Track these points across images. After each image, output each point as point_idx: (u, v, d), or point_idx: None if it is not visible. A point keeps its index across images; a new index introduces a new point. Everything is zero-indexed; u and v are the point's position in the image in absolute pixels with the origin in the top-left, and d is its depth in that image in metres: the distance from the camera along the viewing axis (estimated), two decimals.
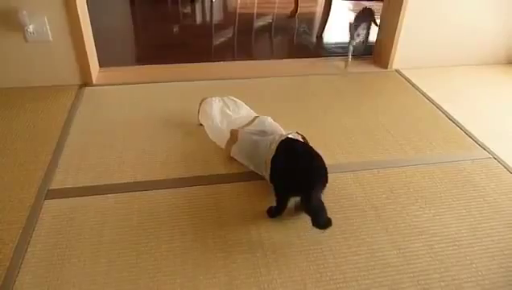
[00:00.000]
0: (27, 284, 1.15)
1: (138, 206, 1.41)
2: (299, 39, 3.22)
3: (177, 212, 1.39)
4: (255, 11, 3.63)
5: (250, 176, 1.54)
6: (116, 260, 1.22)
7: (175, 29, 3.30)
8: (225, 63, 2.62)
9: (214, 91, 2.16)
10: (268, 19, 3.54)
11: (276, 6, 3.80)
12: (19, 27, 1.96)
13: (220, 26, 3.38)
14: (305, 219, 1.35)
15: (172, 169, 1.59)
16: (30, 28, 1.95)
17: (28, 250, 1.24)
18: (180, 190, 1.48)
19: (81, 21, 2.00)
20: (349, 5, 3.97)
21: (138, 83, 2.21)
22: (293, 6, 3.57)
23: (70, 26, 2.00)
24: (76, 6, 1.95)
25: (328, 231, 1.32)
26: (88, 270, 1.19)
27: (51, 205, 1.41)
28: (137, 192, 1.47)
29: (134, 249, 1.26)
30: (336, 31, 3.34)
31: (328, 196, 1.47)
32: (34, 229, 1.31)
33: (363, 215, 1.41)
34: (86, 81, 2.15)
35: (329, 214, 1.29)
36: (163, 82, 2.23)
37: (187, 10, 3.66)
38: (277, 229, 1.33)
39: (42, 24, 1.97)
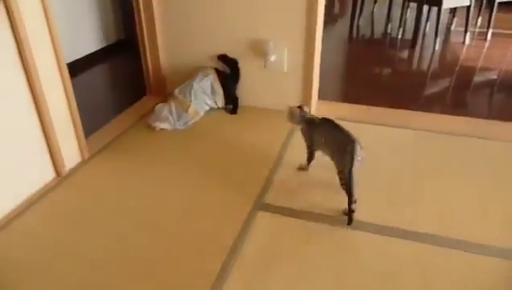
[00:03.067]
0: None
1: (342, 241, 1.45)
2: None
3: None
4: (479, 64, 3.35)
5: None
6: (317, 283, 1.27)
7: (388, 72, 3.31)
8: (434, 114, 2.48)
9: (420, 142, 2.08)
10: (493, 75, 3.21)
11: (507, 60, 3.43)
12: (263, 56, 2.27)
13: (436, 76, 3.23)
14: None
15: (380, 215, 1.58)
16: (272, 58, 2.24)
17: (240, 253, 1.41)
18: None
19: (315, 57, 2.19)
20: None
21: (348, 120, 2.25)
22: None
23: (304, 60, 2.22)
24: (314, 43, 2.16)
25: None
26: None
27: (263, 217, 1.57)
28: (340, 228, 1.51)
29: (335, 275, 1.29)
30: None
31: None
32: (247, 236, 1.48)
33: None
34: None
35: None
36: (372, 124, 2.25)
37: (404, 55, 3.63)
38: None
39: (281, 55, 2.24)
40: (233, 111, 2.37)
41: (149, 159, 1.95)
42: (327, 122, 1.65)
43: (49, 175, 1.79)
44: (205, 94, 2.28)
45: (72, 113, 1.84)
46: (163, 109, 2.18)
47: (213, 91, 2.30)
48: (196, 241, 1.46)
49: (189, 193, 1.71)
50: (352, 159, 1.45)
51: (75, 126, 1.87)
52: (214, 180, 1.80)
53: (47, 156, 1.76)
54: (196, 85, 2.24)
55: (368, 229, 1.50)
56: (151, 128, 2.16)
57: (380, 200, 1.66)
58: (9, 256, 1.41)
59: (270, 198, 1.67)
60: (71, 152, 1.87)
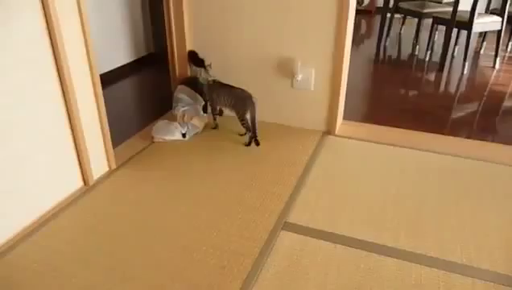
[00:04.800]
0: None
1: (364, 265, 1.43)
2: None
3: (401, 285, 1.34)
4: (509, 90, 3.28)
5: None
6: None
7: (414, 95, 3.27)
8: (461, 139, 2.43)
9: (446, 166, 2.04)
10: None
11: None
12: (290, 75, 2.29)
13: (464, 100, 3.17)
14: None
15: (404, 241, 1.55)
16: (299, 77, 2.26)
17: (261, 272, 1.40)
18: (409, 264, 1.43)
19: (342, 77, 2.20)
20: None
21: (373, 141, 2.27)
22: None
23: (331, 81, 2.23)
24: (342, 63, 2.16)
25: None
26: None
27: (285, 236, 1.56)
28: (364, 252, 1.49)
29: None
30: None
31: None
32: (269, 255, 1.47)
33: None
34: (330, 130, 2.34)
35: None
36: (396, 146, 2.22)
37: (431, 77, 3.59)
38: None
39: (308, 75, 2.26)
40: (204, 110, 2.44)
41: (173, 174, 1.97)
42: (223, 85, 2.18)
43: (77, 184, 1.84)
44: (191, 105, 2.41)
45: (101, 124, 1.89)
46: (169, 124, 2.29)
47: (194, 98, 2.43)
48: (217, 259, 1.46)
49: (211, 209, 1.72)
50: (253, 105, 2.02)
51: (104, 136, 1.92)
52: (236, 196, 1.80)
53: (77, 165, 1.81)
54: (180, 97, 2.42)
55: (391, 255, 1.47)
56: (154, 142, 2.25)
57: (403, 225, 1.63)
58: (31, 261, 1.44)
59: (293, 217, 1.66)
60: (99, 162, 1.92)
